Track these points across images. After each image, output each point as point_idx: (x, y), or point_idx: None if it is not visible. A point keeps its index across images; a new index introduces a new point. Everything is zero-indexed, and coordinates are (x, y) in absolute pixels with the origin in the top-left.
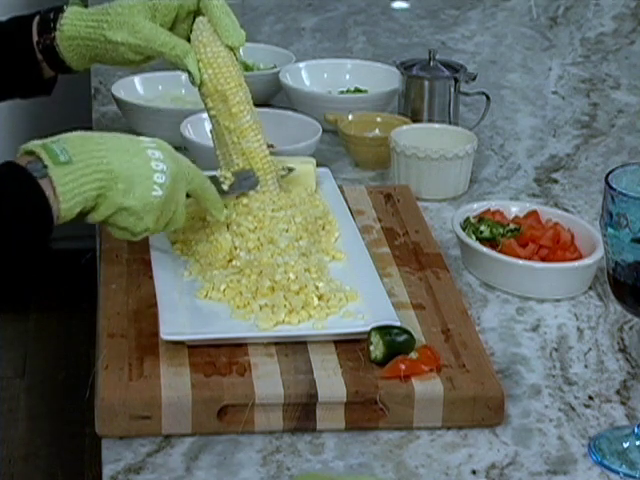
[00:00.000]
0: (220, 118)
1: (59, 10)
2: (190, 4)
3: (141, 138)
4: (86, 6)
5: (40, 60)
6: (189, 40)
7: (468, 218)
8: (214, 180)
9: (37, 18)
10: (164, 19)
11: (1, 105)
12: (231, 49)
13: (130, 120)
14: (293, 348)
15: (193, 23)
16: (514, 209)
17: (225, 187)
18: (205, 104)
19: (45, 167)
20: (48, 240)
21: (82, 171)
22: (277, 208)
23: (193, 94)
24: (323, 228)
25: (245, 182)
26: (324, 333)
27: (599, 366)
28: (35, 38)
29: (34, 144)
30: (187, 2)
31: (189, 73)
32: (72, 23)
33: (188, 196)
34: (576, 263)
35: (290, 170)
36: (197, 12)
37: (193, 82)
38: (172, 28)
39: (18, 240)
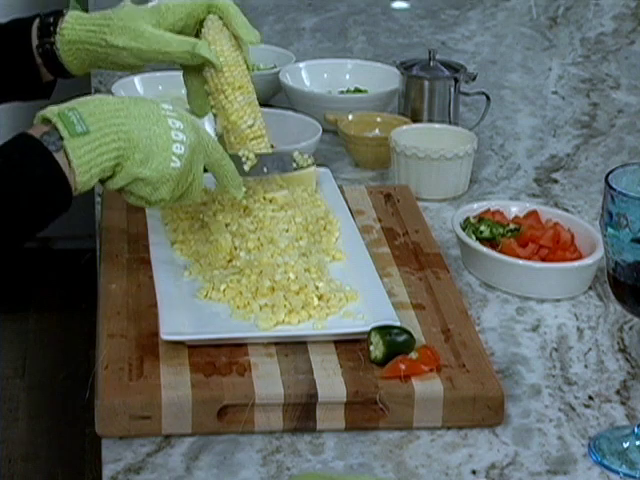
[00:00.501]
0: (220, 118)
1: (59, 14)
2: (200, 12)
3: (163, 105)
4: (86, 11)
5: (39, 64)
6: None
7: (468, 218)
8: (236, 159)
9: (37, 22)
10: (170, 28)
11: (2, 106)
12: (241, 49)
13: None
14: (293, 348)
15: (199, 35)
16: (514, 209)
17: (246, 167)
18: (220, 90)
19: (61, 139)
20: (66, 212)
21: (99, 141)
22: (277, 208)
23: None
24: (324, 228)
25: (276, 164)
26: (324, 333)
27: (599, 366)
28: (35, 42)
29: (51, 111)
30: (196, 10)
31: (204, 65)
32: (72, 27)
33: (206, 170)
34: (576, 263)
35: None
36: (204, 20)
37: (214, 68)
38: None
39: (36, 216)
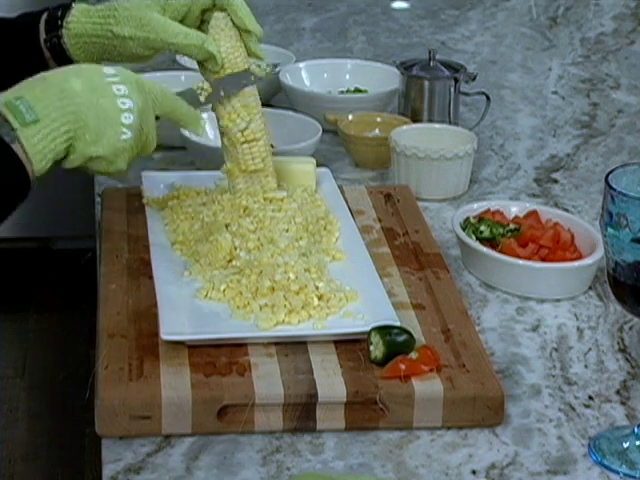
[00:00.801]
0: (231, 111)
1: (67, 8)
2: (204, 0)
3: (104, 70)
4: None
5: (48, 58)
6: None
7: (468, 218)
8: (191, 93)
9: (45, 15)
10: (174, 14)
11: None
12: (246, 43)
13: None
14: (293, 348)
15: (201, 22)
16: (514, 209)
17: (202, 98)
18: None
19: (13, 130)
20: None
21: (50, 127)
22: (277, 208)
23: None
24: (325, 228)
25: (233, 84)
26: (324, 333)
27: (599, 366)
28: (43, 36)
29: None
30: None
31: (205, 60)
32: (78, 20)
33: (158, 118)
34: (576, 263)
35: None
36: (208, 11)
37: (214, 67)
38: (183, 23)
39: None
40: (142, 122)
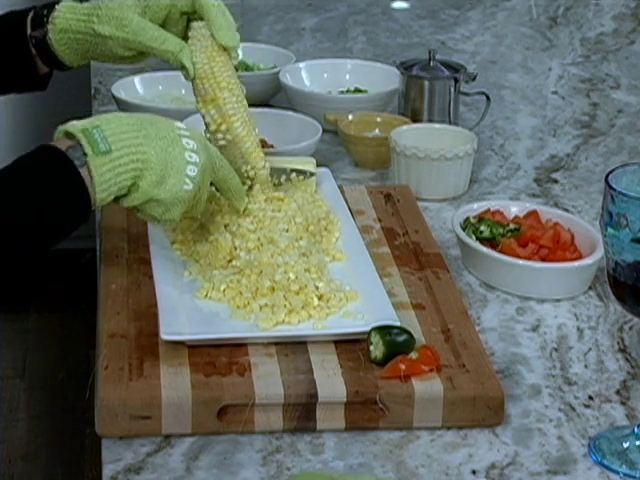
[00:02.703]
0: (210, 122)
1: (53, 5)
2: (183, 4)
3: (176, 124)
4: (81, 1)
5: (34, 55)
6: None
7: (468, 218)
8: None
9: (32, 13)
10: (155, 16)
11: (2, 106)
12: (225, 50)
13: None
14: (293, 348)
15: (187, 26)
16: (514, 209)
17: (254, 190)
18: (196, 101)
19: (85, 155)
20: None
21: (119, 161)
22: (277, 208)
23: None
24: (325, 228)
25: (276, 175)
26: (324, 333)
27: (599, 366)
28: (29, 32)
29: (75, 127)
30: (180, 1)
31: (182, 68)
32: (64, 17)
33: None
34: (576, 263)
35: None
36: (191, 14)
37: (187, 77)
38: (164, 27)
39: (57, 226)
40: (202, 180)
